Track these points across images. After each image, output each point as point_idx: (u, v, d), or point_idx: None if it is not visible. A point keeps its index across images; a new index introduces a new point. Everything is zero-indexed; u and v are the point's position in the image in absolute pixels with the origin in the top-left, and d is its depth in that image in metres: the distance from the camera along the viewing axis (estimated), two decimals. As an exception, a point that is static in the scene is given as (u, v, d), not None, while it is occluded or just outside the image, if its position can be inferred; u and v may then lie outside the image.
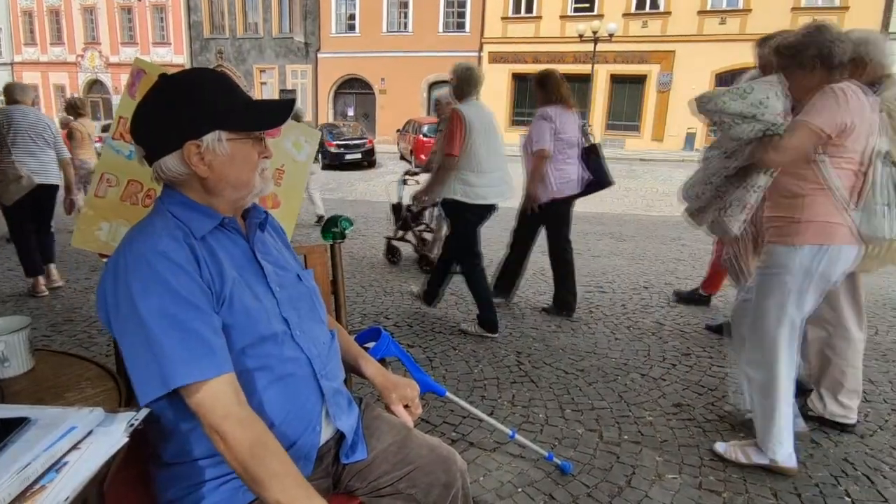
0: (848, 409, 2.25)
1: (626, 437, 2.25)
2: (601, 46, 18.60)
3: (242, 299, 0.95)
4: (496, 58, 21.72)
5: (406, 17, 23.12)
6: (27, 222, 3.76)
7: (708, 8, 19.12)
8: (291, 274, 1.10)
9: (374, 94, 23.81)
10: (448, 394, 1.78)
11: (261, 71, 25.05)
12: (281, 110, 1.00)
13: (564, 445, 2.17)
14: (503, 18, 21.50)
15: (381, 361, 1.34)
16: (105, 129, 17.20)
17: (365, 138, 15.36)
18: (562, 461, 2.00)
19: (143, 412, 0.88)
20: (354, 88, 24.19)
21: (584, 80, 19.94)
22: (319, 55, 24.11)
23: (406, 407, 1.21)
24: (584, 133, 3.65)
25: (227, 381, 0.88)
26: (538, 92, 3.45)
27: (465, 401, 2.09)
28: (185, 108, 0.93)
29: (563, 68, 20.73)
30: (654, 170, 15.09)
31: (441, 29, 22.58)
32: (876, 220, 1.74)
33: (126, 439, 0.82)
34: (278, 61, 24.88)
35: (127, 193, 1.30)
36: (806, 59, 1.73)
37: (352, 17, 23.79)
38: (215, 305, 0.92)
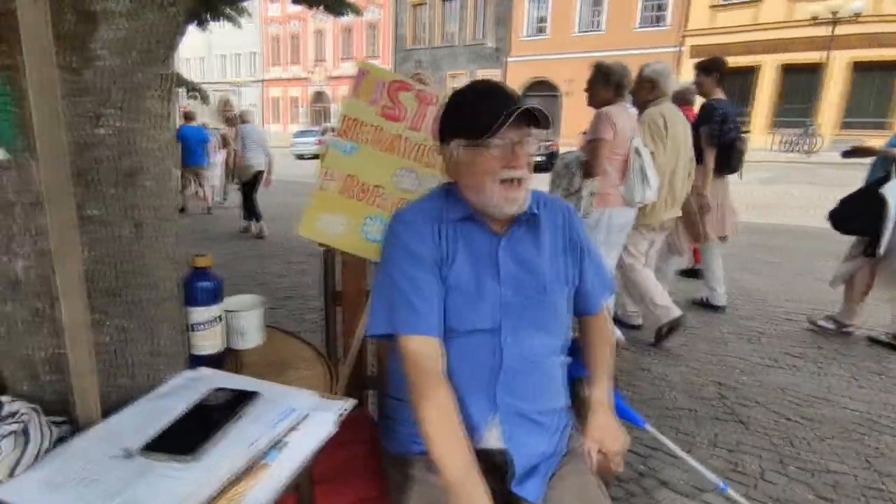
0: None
1: (876, 516, 1.76)
2: (841, 29, 15.53)
3: (463, 288, 1.04)
4: (699, 52, 19.60)
5: (599, 14, 22.25)
6: (249, 191, 6.69)
7: None
8: (537, 282, 1.08)
9: (558, 96, 23.45)
10: (647, 426, 1.56)
11: (452, 76, 26.52)
12: (497, 116, 0.95)
13: (786, 510, 1.78)
14: (712, 7, 19.34)
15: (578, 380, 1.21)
16: (324, 132, 19.98)
17: (549, 141, 15.32)
18: (784, 530, 1.63)
19: (351, 402, 0.90)
20: (540, 91, 24.13)
21: (811, 72, 16.95)
22: (509, 59, 24.59)
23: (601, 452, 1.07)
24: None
25: (428, 343, 1.00)
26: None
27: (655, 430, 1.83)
28: (446, 115, 1.08)
29: (785, 58, 18.27)
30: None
31: (637, 24, 21.23)
32: (631, 190, 2.76)
33: (335, 429, 0.83)
34: (469, 66, 26.05)
35: (344, 187, 1.39)
36: (610, 80, 2.74)
37: (542, 19, 23.74)
38: (439, 276, 1.04)
